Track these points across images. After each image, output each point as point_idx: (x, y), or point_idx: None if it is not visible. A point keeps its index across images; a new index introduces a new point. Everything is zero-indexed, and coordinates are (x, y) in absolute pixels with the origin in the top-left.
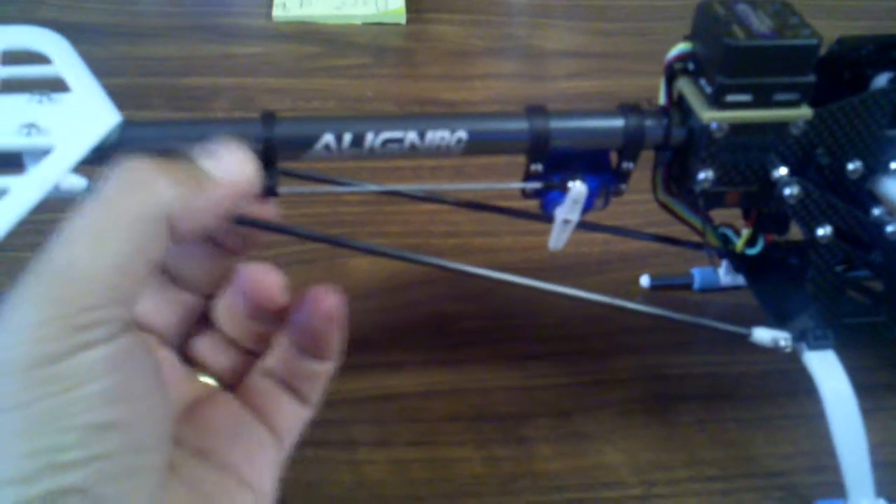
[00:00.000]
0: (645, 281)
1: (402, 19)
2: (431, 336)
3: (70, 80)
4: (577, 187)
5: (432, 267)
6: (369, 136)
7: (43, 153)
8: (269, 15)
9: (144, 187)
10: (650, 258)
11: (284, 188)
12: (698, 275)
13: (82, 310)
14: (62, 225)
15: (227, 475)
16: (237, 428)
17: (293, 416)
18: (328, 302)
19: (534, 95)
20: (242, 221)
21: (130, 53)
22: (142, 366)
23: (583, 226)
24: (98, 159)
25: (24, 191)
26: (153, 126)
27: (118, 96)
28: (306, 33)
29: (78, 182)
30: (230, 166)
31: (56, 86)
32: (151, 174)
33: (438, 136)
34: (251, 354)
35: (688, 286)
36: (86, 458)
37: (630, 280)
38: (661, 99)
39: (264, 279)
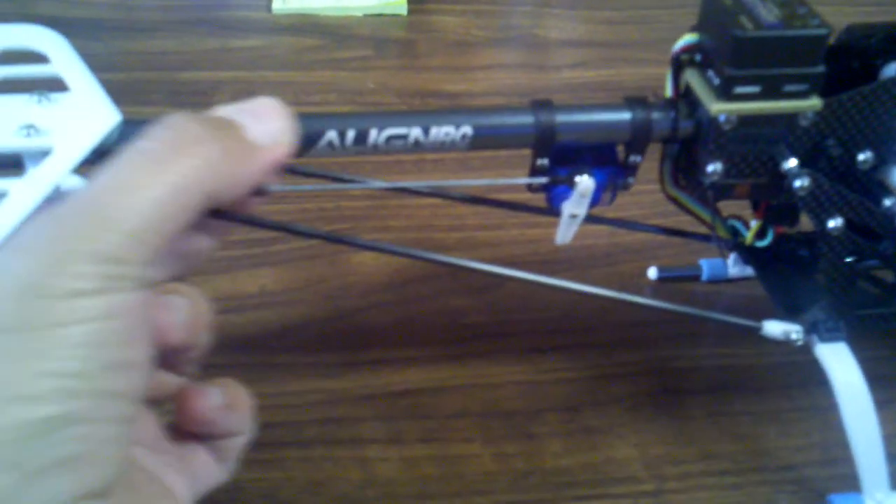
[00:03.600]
0: (653, 273)
1: (404, 10)
2: (439, 331)
3: (69, 79)
4: (585, 181)
5: (437, 264)
6: (373, 133)
7: (42, 154)
8: (268, 7)
9: (194, 151)
10: (657, 250)
11: (287, 185)
12: (706, 266)
13: (108, 256)
14: (106, 166)
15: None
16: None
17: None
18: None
19: (537, 86)
20: (242, 220)
21: (129, 48)
22: (144, 323)
23: (589, 219)
24: (98, 159)
25: (24, 193)
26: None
27: (118, 92)
28: (306, 25)
29: (78, 183)
30: (273, 128)
31: (55, 85)
32: (201, 137)
33: (443, 131)
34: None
35: (696, 277)
36: (94, 391)
37: (637, 272)
38: (668, 91)
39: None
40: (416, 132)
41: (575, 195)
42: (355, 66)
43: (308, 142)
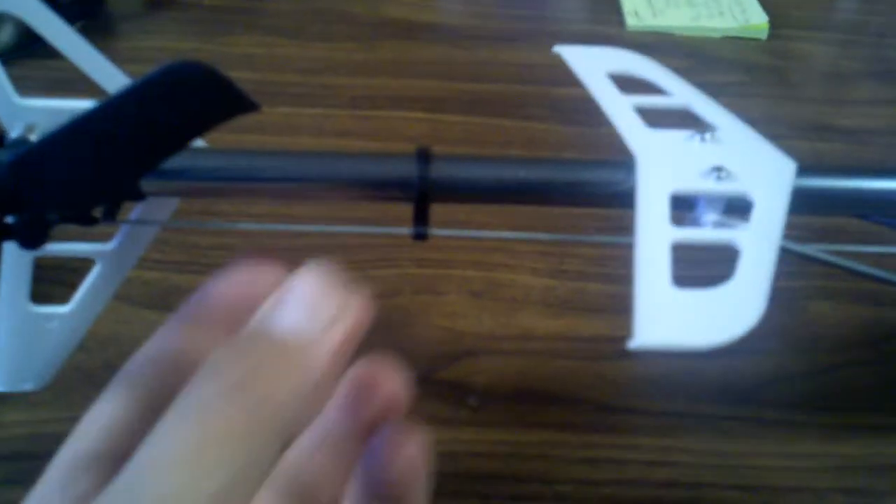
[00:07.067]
0: None
1: (764, 35)
2: None
3: (709, 116)
4: None
5: None
6: None
7: (727, 200)
8: (621, 23)
9: (253, 393)
10: None
11: None
12: None
13: None
14: (153, 434)
15: None
16: None
17: None
18: (410, 450)
19: None
20: None
21: (495, 58)
22: None
23: None
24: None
25: (752, 247)
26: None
27: (500, 104)
28: (664, 44)
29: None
30: (324, 314)
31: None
32: (258, 376)
33: None
34: None
35: None
36: None
37: None
38: None
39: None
40: None
41: None
42: (733, 91)
43: None
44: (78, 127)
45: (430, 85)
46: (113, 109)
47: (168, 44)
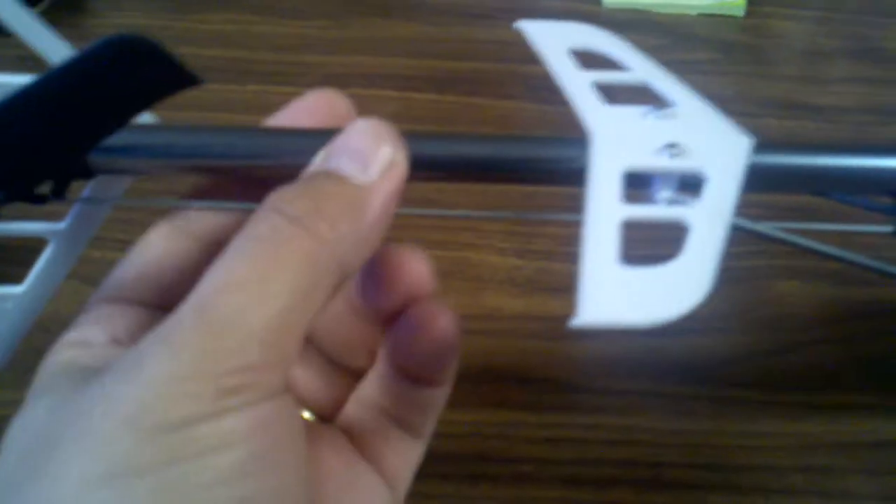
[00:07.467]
0: None
1: (741, 11)
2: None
3: (667, 92)
4: None
5: None
6: None
7: (681, 179)
8: (597, 0)
9: (316, 225)
10: None
11: None
12: None
13: (233, 370)
14: (219, 260)
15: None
16: (347, 476)
17: (404, 455)
18: (441, 324)
19: None
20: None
21: (470, 36)
22: (287, 433)
23: None
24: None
25: (706, 225)
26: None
27: (475, 82)
28: (640, 22)
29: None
30: (379, 157)
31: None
32: (320, 211)
33: None
34: (349, 378)
35: None
36: None
37: None
38: None
39: (416, 261)
40: None
41: None
42: (706, 69)
43: None
44: (16, 102)
45: (403, 63)
46: (52, 83)
47: (138, 21)
